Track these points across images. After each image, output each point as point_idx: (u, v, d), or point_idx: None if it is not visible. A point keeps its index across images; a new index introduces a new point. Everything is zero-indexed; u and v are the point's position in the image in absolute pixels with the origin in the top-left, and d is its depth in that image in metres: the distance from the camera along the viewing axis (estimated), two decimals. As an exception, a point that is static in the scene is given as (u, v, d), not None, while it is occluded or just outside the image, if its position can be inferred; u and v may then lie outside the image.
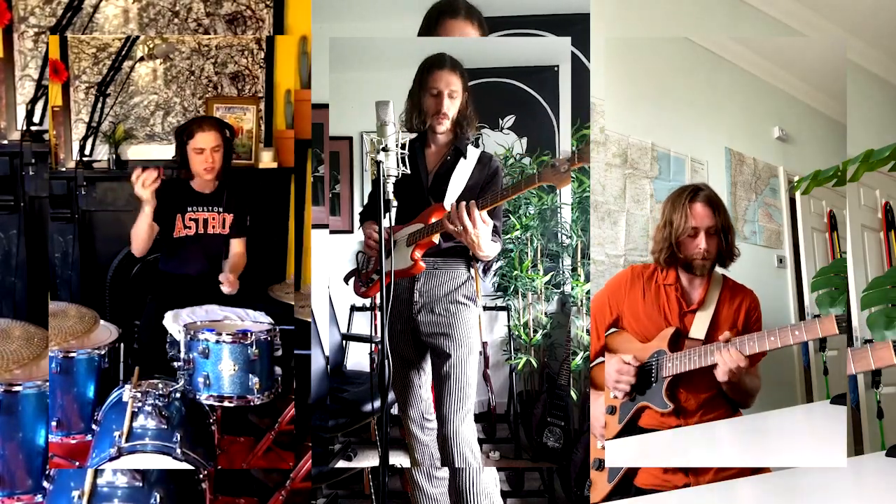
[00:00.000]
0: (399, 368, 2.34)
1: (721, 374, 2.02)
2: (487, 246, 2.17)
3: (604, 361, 2.28)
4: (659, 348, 2.17)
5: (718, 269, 2.25)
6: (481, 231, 2.11)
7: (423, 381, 2.38)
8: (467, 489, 2.27)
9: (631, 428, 2.18)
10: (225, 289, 2.64)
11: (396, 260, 2.21)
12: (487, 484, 2.31)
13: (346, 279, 2.44)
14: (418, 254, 2.22)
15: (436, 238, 2.23)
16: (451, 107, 2.29)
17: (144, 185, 2.53)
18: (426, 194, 2.30)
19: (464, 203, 2.11)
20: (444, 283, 2.30)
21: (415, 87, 2.33)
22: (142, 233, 2.63)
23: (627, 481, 2.13)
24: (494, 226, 2.28)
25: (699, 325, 2.18)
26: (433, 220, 2.22)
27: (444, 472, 2.41)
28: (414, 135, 2.26)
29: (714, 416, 2.14)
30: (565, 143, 3.68)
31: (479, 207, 2.10)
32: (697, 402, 2.14)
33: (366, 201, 4.02)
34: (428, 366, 2.37)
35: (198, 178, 2.77)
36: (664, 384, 2.13)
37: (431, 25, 2.29)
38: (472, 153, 2.32)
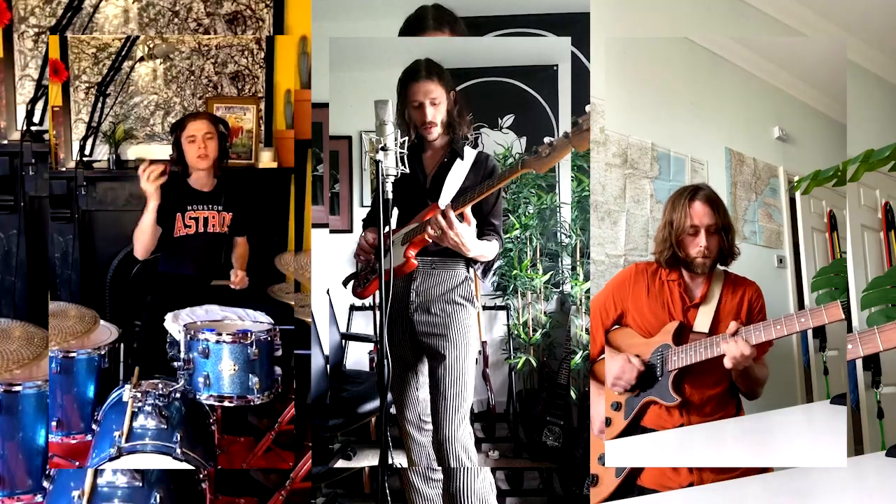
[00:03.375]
0: (396, 369, 2.30)
1: (728, 363, 2.02)
2: (474, 245, 2.14)
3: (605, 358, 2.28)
4: (663, 342, 2.17)
5: (720, 266, 2.25)
6: (461, 231, 2.08)
7: (421, 383, 2.35)
8: (461, 492, 2.25)
9: (636, 424, 2.18)
10: (234, 284, 2.69)
11: (391, 259, 2.19)
12: (482, 487, 2.29)
13: (345, 283, 2.43)
14: (412, 252, 2.19)
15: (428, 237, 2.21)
16: (437, 114, 2.25)
17: (150, 179, 2.53)
18: (425, 197, 2.28)
19: (439, 207, 2.10)
20: (440, 283, 2.27)
21: (398, 99, 2.29)
22: (145, 233, 2.63)
23: (631, 479, 2.13)
24: (493, 224, 2.26)
25: (703, 319, 2.18)
26: (427, 218, 2.19)
27: (441, 474, 2.38)
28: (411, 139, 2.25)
29: (720, 413, 2.15)
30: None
31: (456, 207, 2.08)
32: (702, 396, 2.14)
33: (365, 202, 4.04)
34: (425, 367, 2.34)
35: (195, 173, 2.77)
36: (670, 377, 2.13)
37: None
38: (469, 154, 2.30)
